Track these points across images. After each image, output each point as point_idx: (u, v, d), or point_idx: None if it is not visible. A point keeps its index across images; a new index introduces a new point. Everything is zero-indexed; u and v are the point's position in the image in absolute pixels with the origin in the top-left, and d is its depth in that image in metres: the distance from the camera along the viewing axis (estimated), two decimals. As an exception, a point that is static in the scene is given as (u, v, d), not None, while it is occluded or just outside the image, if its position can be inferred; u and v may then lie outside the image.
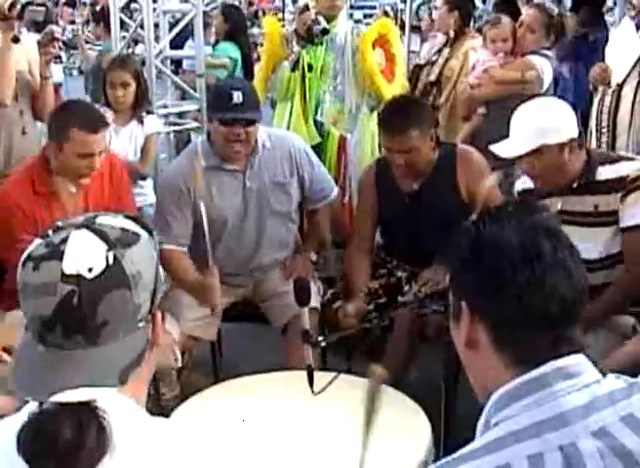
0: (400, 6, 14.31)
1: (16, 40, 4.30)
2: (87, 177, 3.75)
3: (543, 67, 5.27)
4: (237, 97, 3.74)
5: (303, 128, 4.93)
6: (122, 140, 4.86)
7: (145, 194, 4.95)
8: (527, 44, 5.34)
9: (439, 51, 5.93)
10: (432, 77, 5.78)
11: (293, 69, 4.97)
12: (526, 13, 5.51)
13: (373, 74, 4.91)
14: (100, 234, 1.47)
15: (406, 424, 2.84)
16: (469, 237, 1.49)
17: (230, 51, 7.71)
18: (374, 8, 18.82)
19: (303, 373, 2.86)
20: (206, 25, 6.69)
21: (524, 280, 1.40)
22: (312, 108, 5.00)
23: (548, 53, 5.39)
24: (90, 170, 3.69)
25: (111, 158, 4.08)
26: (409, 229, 3.88)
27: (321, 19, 4.89)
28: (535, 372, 1.41)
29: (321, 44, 4.95)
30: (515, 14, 5.78)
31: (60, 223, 1.51)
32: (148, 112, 5.03)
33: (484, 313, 1.46)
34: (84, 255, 1.44)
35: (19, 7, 4.21)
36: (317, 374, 2.90)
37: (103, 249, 1.45)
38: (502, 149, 3.38)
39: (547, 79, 5.31)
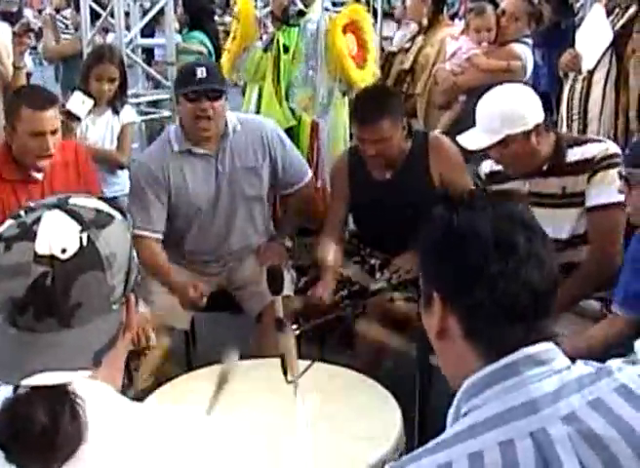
0: (373, -7, 14.30)
1: None
2: (44, 159, 3.73)
3: (527, 56, 5.31)
4: (201, 72, 3.79)
5: (277, 110, 4.92)
6: (98, 130, 4.88)
7: (121, 183, 4.94)
8: (510, 32, 5.36)
9: (412, 38, 5.92)
10: (406, 65, 5.77)
11: (265, 50, 4.97)
12: (508, 1, 5.50)
13: (342, 57, 4.91)
14: (74, 214, 1.44)
15: (376, 411, 2.85)
16: (443, 224, 1.48)
17: (200, 38, 7.65)
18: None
19: (277, 361, 2.86)
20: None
21: (497, 271, 1.40)
22: (283, 91, 4.99)
23: (528, 40, 5.42)
24: (44, 150, 3.68)
25: (77, 147, 4.10)
26: (382, 217, 3.88)
27: (298, 1, 4.89)
28: (505, 360, 1.41)
29: (296, 26, 4.94)
30: (493, 0, 5.78)
31: (32, 204, 1.48)
32: (123, 103, 5.00)
33: (455, 303, 1.46)
34: (57, 236, 1.40)
35: None
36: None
37: (77, 229, 1.42)
38: (468, 141, 3.39)
39: (530, 67, 5.37)
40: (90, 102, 4.49)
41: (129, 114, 5.04)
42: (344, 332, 3.84)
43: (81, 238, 1.41)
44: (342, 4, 10.50)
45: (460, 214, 1.47)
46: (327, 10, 5.52)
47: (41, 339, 1.40)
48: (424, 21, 5.85)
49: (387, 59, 5.99)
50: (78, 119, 4.50)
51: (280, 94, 4.97)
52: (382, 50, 7.42)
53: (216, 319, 4.52)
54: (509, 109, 3.26)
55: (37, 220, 1.42)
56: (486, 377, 1.41)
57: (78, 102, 4.46)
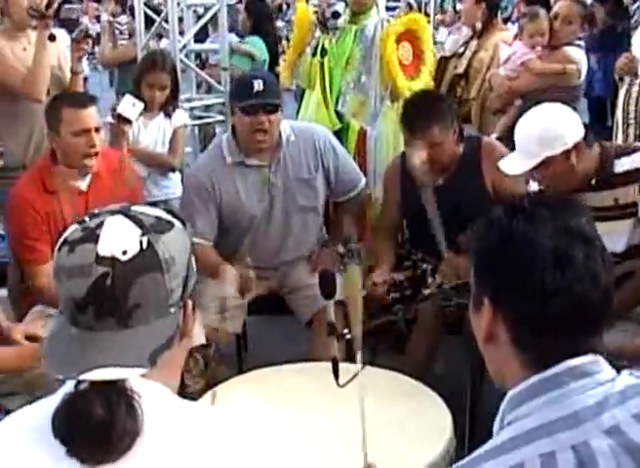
0: (424, -2, 14.28)
1: (52, 38, 4.35)
2: (91, 159, 3.76)
3: (581, 59, 5.27)
4: (258, 84, 3.79)
5: (324, 114, 4.90)
6: (150, 133, 4.94)
7: (172, 186, 4.99)
8: (563, 36, 5.30)
9: (466, 43, 5.89)
10: (460, 70, 5.74)
11: (313, 54, 4.98)
12: (561, 4, 5.43)
13: (390, 66, 4.89)
14: (135, 220, 1.49)
15: (427, 415, 2.85)
16: (501, 231, 1.46)
17: (258, 45, 7.71)
18: (398, 0, 18.77)
19: (328, 365, 2.87)
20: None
21: (552, 285, 1.38)
22: (334, 97, 4.99)
23: (581, 43, 5.38)
24: (90, 147, 3.72)
25: (122, 158, 4.14)
26: (431, 223, 3.86)
27: (340, 3, 4.87)
28: (549, 371, 1.40)
29: (337, 29, 4.93)
30: (546, 4, 5.73)
31: (96, 211, 1.54)
32: (175, 107, 5.05)
33: (506, 311, 1.44)
34: (119, 239, 1.46)
35: (55, 6, 4.24)
36: (342, 367, 2.91)
37: (138, 233, 1.47)
38: (508, 166, 3.36)
39: (584, 70, 5.31)
40: (140, 105, 4.54)
41: (181, 117, 5.09)
42: (396, 337, 3.85)
43: (141, 241, 1.46)
44: (395, 8, 10.48)
45: (520, 221, 1.44)
46: (388, 9, 5.52)
47: (100, 338, 1.45)
48: (478, 26, 5.82)
49: (441, 65, 5.96)
50: (129, 122, 4.55)
51: (327, 98, 4.98)
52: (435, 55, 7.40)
53: (267, 322, 4.55)
54: (546, 131, 3.22)
55: (100, 225, 1.48)
56: (530, 388, 1.40)
57: (129, 106, 4.51)
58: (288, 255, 4.14)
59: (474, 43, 5.77)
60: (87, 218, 1.52)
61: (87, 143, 3.70)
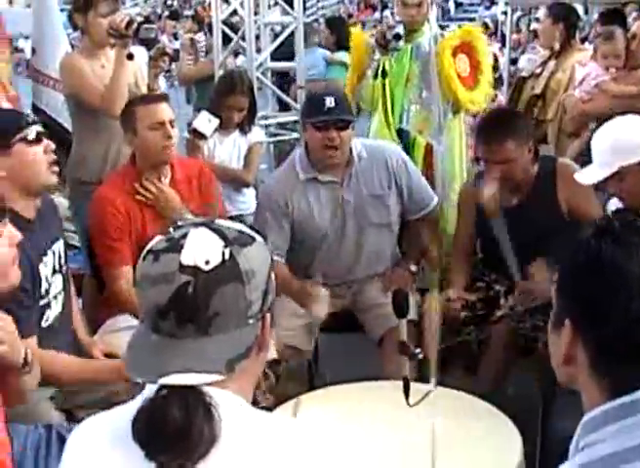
0: (500, 18, 14.23)
1: (130, 57, 4.43)
2: (168, 152, 3.84)
3: None
4: (330, 101, 3.82)
5: (386, 133, 4.91)
6: (226, 148, 5.01)
7: (247, 202, 5.04)
8: None
9: (543, 63, 5.84)
10: (537, 90, 5.69)
11: (375, 77, 5.00)
12: (638, 24, 5.36)
13: (450, 80, 4.89)
14: (218, 232, 1.55)
15: (497, 438, 2.82)
16: (589, 253, 1.41)
17: (344, 59, 7.78)
18: (473, 20, 18.76)
19: (398, 384, 2.86)
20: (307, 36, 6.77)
21: (636, 313, 1.34)
22: (397, 116, 5.00)
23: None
24: (167, 138, 3.78)
25: (201, 165, 4.21)
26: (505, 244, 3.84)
27: (399, 25, 4.90)
28: (625, 398, 1.36)
29: (397, 50, 4.95)
30: (623, 23, 5.65)
31: (180, 222, 1.60)
32: (251, 124, 5.11)
33: (587, 334, 1.40)
34: (202, 249, 1.51)
35: (135, 26, 4.32)
36: (412, 386, 2.90)
37: (220, 245, 1.52)
38: (584, 176, 3.33)
39: None
40: (216, 121, 4.60)
41: (257, 134, 5.16)
42: (467, 358, 3.82)
43: (224, 252, 1.51)
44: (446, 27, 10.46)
45: (608, 245, 1.39)
46: (441, 28, 5.55)
47: (180, 344, 1.49)
48: (556, 46, 5.76)
49: (518, 84, 5.92)
50: (204, 137, 4.61)
51: (388, 118, 4.99)
52: (512, 75, 7.36)
53: (338, 340, 4.54)
54: (621, 140, 3.19)
55: (184, 235, 1.53)
56: (605, 414, 1.37)
57: (204, 121, 4.57)
58: (360, 273, 4.14)
59: (552, 63, 5.72)
60: (172, 230, 1.57)
61: (163, 135, 3.77)
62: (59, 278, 3.22)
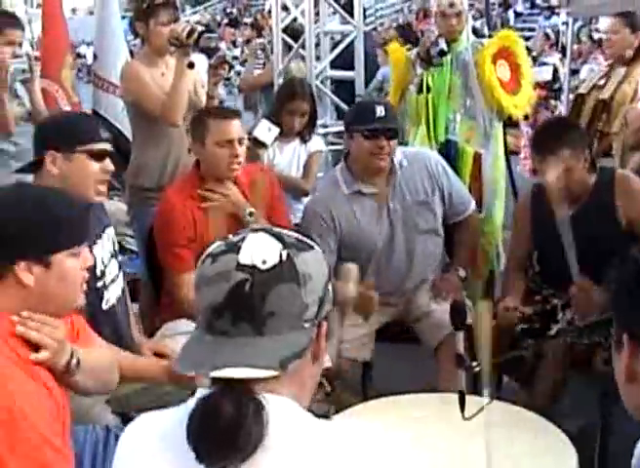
0: (561, 28, 14.09)
1: (191, 66, 4.47)
2: (234, 170, 3.84)
3: None
4: (380, 110, 3.84)
5: (428, 147, 4.93)
6: (285, 157, 5.04)
7: None
8: None
9: (606, 75, 5.71)
10: (606, 95, 5.55)
11: (418, 92, 5.00)
12: None
13: (492, 87, 4.88)
14: (277, 236, 1.57)
15: (551, 454, 2.80)
16: (636, 268, 1.42)
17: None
18: (533, 30, 18.62)
19: (453, 396, 2.84)
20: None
21: None
22: (442, 130, 5.00)
23: None
24: (234, 157, 3.79)
25: (263, 169, 4.23)
26: (564, 257, 3.79)
27: (441, 40, 4.91)
28: None
29: (441, 65, 4.96)
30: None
31: (239, 231, 1.61)
32: (311, 133, 5.14)
33: None
34: (260, 250, 1.53)
35: (196, 36, 4.35)
36: (468, 399, 2.88)
37: (278, 247, 1.54)
38: None
39: None
40: (276, 130, 4.62)
41: (317, 143, 5.17)
42: (523, 372, 3.79)
43: (281, 254, 1.53)
44: (529, 38, 10.38)
45: None
46: (482, 37, 5.53)
47: (233, 342, 1.50)
48: (628, 53, 5.65)
49: (577, 102, 5.80)
50: (264, 146, 4.63)
51: (430, 132, 4.99)
52: (571, 90, 7.23)
53: (394, 350, 4.53)
54: None
55: (243, 239, 1.55)
56: None
57: (264, 130, 4.59)
58: (413, 281, 4.13)
59: (620, 73, 5.58)
60: (230, 236, 1.59)
61: (231, 154, 3.78)
62: (114, 263, 3.28)
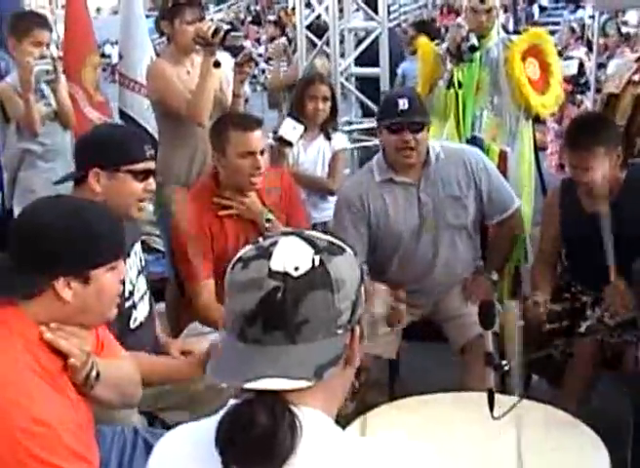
0: (587, 22, 14.03)
1: (217, 65, 4.47)
2: (254, 182, 3.80)
3: None
4: (403, 103, 3.81)
5: (457, 142, 4.91)
6: (310, 155, 5.03)
7: (331, 209, 5.04)
8: None
9: (638, 69, 5.61)
10: None
11: (448, 87, 4.97)
12: None
13: (521, 86, 4.86)
14: (309, 240, 1.54)
15: (582, 454, 2.76)
16: None
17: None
18: (558, 24, 18.55)
19: (481, 395, 2.82)
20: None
21: None
22: (468, 126, 4.98)
23: None
24: (255, 169, 3.75)
25: (283, 174, 4.18)
26: (594, 253, 3.76)
27: (472, 36, 4.89)
28: None
29: (472, 61, 4.93)
30: None
31: (270, 233, 1.62)
32: (334, 129, 5.12)
33: None
34: (292, 256, 1.50)
35: (221, 34, 4.34)
36: (496, 398, 2.86)
37: (311, 252, 1.51)
38: None
39: None
40: (301, 128, 4.60)
41: (340, 141, 5.15)
42: (552, 371, 3.76)
43: (314, 259, 1.50)
44: (554, 32, 10.31)
45: None
46: (507, 33, 5.50)
47: (267, 351, 1.48)
48: None
49: (608, 104, 5.68)
50: (290, 145, 4.61)
51: (460, 130, 4.97)
52: (598, 87, 7.14)
53: (421, 348, 4.51)
54: None
55: (274, 243, 1.53)
56: None
57: (289, 128, 4.58)
58: (438, 276, 4.08)
59: None
60: (261, 239, 1.57)
61: (252, 165, 3.74)
62: (142, 279, 3.26)
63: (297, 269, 1.48)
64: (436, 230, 4.00)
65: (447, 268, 4.09)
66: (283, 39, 8.91)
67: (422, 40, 5.54)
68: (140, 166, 3.02)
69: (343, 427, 2.91)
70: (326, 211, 4.94)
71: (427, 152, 3.94)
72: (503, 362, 2.73)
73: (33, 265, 2.15)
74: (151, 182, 3.07)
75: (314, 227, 4.61)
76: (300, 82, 5.26)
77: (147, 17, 7.88)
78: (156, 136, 4.98)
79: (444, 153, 3.98)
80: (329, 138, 5.04)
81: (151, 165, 3.08)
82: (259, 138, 3.78)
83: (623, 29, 11.08)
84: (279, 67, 7.70)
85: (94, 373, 2.25)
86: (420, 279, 4.08)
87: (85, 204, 2.40)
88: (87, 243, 2.21)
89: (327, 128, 5.05)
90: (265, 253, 1.51)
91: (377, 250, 4.03)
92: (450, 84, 4.98)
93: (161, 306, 4.27)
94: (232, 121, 3.84)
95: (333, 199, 5.03)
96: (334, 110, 5.09)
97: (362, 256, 3.96)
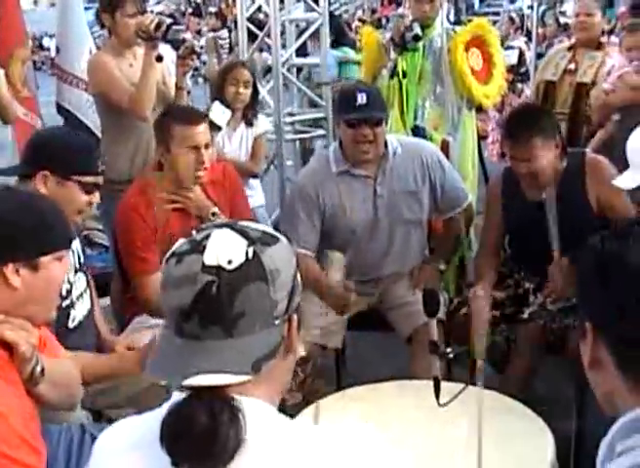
0: (526, 12, 14.14)
1: (159, 59, 4.44)
2: (198, 177, 3.79)
3: None
4: (361, 98, 3.80)
5: (402, 132, 4.92)
6: (234, 144, 5.08)
7: (255, 195, 5.06)
8: None
9: (573, 58, 5.68)
10: (587, 79, 5.52)
11: (391, 77, 4.99)
12: None
13: (463, 75, 4.89)
14: (241, 232, 1.53)
15: (527, 436, 2.80)
16: (594, 254, 1.43)
17: (349, 52, 7.81)
18: (498, 14, 18.67)
19: (427, 383, 2.85)
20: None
21: None
22: (412, 115, 5.00)
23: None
24: (199, 163, 3.73)
25: (224, 167, 4.16)
26: (536, 240, 3.79)
27: (415, 25, 4.89)
28: None
29: (415, 50, 4.95)
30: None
31: (203, 226, 1.59)
32: (255, 115, 5.17)
33: (605, 333, 1.39)
34: (225, 249, 1.49)
35: (164, 28, 4.31)
36: (442, 385, 2.89)
37: (244, 244, 1.50)
38: (623, 181, 3.29)
39: None
40: (229, 112, 4.67)
41: (262, 124, 5.21)
42: (496, 357, 3.79)
43: (247, 251, 1.49)
44: (495, 22, 10.38)
45: (612, 244, 1.41)
46: (451, 24, 5.54)
47: (205, 346, 1.47)
48: (600, 36, 5.66)
49: (547, 91, 5.74)
50: (219, 128, 4.62)
51: (405, 118, 4.98)
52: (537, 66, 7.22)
53: (367, 338, 4.53)
54: None
55: (207, 237, 1.52)
56: (636, 419, 1.35)
57: (219, 112, 4.60)
58: (388, 269, 4.11)
59: (594, 56, 5.55)
60: (194, 233, 1.56)
61: (197, 160, 3.72)
62: (81, 277, 3.23)
63: (230, 262, 1.47)
64: (390, 224, 4.02)
65: (399, 262, 4.12)
66: (211, 34, 8.87)
67: (366, 29, 5.54)
68: (90, 179, 3.07)
69: (293, 417, 2.93)
70: (250, 197, 4.95)
71: (385, 146, 3.95)
72: (448, 349, 2.75)
73: None
74: (96, 196, 3.11)
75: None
76: (222, 68, 5.31)
77: (87, 9, 7.80)
78: (95, 130, 4.94)
79: (401, 148, 4.00)
80: (250, 125, 5.08)
81: (100, 180, 3.12)
82: (203, 133, 3.75)
83: (562, 19, 11.17)
84: (212, 62, 7.69)
85: (39, 368, 2.24)
86: (371, 270, 4.11)
87: (36, 195, 2.47)
88: (38, 230, 2.23)
89: (248, 114, 5.08)
90: (198, 248, 1.50)
91: (331, 241, 4.02)
92: (393, 73, 4.99)
93: (106, 301, 4.24)
94: (176, 115, 3.82)
95: (256, 185, 5.09)
96: (254, 96, 5.12)
97: (314, 246, 3.96)
